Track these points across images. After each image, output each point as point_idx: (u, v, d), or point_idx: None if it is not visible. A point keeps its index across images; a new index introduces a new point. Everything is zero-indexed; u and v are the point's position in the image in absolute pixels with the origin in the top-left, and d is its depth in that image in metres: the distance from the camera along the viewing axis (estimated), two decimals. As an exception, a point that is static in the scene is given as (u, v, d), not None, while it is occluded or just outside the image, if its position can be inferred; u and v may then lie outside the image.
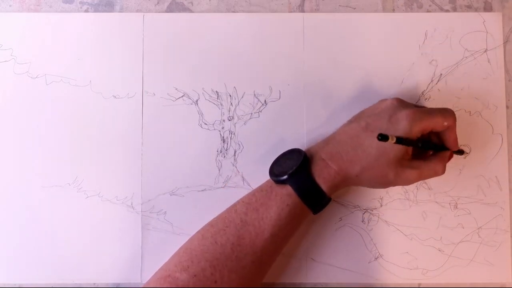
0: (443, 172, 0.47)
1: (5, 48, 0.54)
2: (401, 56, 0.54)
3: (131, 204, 0.53)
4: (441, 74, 0.54)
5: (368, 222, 0.53)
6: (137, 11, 0.54)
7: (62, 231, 0.52)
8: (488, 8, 0.55)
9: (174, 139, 0.53)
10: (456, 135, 0.48)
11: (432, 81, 0.54)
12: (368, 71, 0.54)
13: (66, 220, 0.52)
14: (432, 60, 0.54)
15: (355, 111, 0.53)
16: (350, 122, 0.49)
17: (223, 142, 0.53)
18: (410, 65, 0.54)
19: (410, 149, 0.46)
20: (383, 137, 0.42)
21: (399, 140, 0.43)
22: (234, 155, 0.53)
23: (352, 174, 0.46)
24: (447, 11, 0.55)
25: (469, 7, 0.55)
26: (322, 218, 0.52)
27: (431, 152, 0.50)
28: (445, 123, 0.46)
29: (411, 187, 0.53)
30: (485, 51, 0.54)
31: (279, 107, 0.53)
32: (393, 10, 0.55)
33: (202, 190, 0.53)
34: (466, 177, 0.53)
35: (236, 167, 0.53)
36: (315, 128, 0.53)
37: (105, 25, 0.54)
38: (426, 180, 0.53)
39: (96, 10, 0.54)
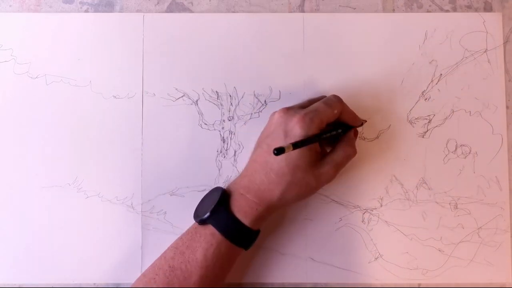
0: (354, 152, 0.48)
1: (5, 48, 0.54)
2: (401, 56, 0.54)
3: (131, 204, 0.53)
4: (441, 74, 0.54)
5: (368, 222, 0.53)
6: (137, 11, 0.54)
7: (62, 231, 0.52)
8: (488, 8, 0.55)
9: (174, 139, 0.53)
10: (351, 112, 0.49)
11: (432, 81, 0.54)
12: (368, 71, 0.54)
13: (66, 220, 0.52)
14: (432, 60, 0.54)
15: (355, 110, 0.53)
16: (256, 149, 0.48)
17: (223, 142, 0.53)
18: (410, 65, 0.54)
19: (317, 148, 0.47)
20: (279, 151, 0.42)
21: (296, 145, 0.43)
22: (234, 155, 0.53)
23: (274, 200, 0.46)
24: (447, 11, 0.55)
25: (469, 7, 0.55)
26: (322, 218, 0.52)
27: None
28: (335, 111, 0.47)
29: (411, 186, 0.53)
30: (485, 51, 0.54)
31: (279, 107, 0.53)
32: (393, 10, 0.55)
33: (202, 190, 0.53)
34: (466, 177, 0.53)
35: (236, 167, 0.53)
36: (315, 128, 0.53)
37: (105, 25, 0.54)
38: (426, 180, 0.53)
39: (96, 10, 0.55)
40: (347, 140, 0.49)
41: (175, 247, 0.46)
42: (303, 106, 0.48)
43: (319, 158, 0.47)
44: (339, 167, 0.47)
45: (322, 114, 0.46)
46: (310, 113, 0.46)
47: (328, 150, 0.50)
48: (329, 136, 0.48)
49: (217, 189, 0.48)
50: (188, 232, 0.47)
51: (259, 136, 0.49)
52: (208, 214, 0.46)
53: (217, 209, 0.46)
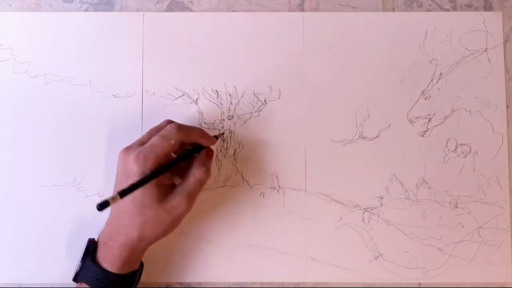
0: (206, 174, 0.46)
1: (5, 47, 0.54)
2: (401, 55, 0.54)
3: (131, 203, 0.52)
4: (441, 73, 0.54)
5: (368, 222, 0.52)
6: (137, 10, 0.54)
7: (62, 231, 0.52)
8: (488, 7, 0.55)
9: (174, 138, 0.53)
10: (198, 133, 0.46)
11: (432, 80, 0.54)
12: (368, 70, 0.54)
13: (65, 220, 0.52)
14: (432, 59, 0.54)
15: (355, 110, 0.53)
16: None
17: (223, 141, 0.53)
18: (410, 64, 0.54)
19: (162, 182, 0.45)
20: (102, 206, 0.39)
21: (123, 193, 0.41)
22: (234, 154, 0.53)
23: (135, 243, 0.44)
24: (447, 10, 0.55)
25: (469, 6, 0.55)
26: (322, 217, 0.52)
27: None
28: (172, 142, 0.44)
29: (411, 186, 0.53)
30: (485, 50, 0.54)
31: (279, 106, 0.53)
32: (393, 10, 0.55)
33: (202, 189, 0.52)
34: (466, 176, 0.53)
35: (236, 167, 0.53)
36: (315, 127, 0.53)
37: (105, 24, 0.54)
38: (426, 180, 0.53)
39: (96, 9, 0.54)
40: (197, 163, 0.46)
41: None
42: (143, 140, 0.46)
43: (170, 190, 0.45)
44: (191, 195, 0.45)
45: (157, 148, 0.44)
46: (144, 149, 0.44)
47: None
48: (170, 166, 0.45)
49: (86, 241, 0.47)
50: None
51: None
52: (76, 270, 0.45)
53: (83, 263, 0.45)
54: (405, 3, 0.55)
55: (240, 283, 0.52)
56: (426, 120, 0.53)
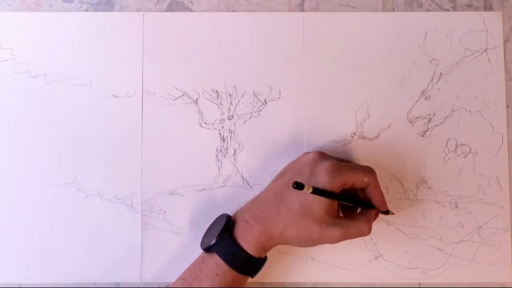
0: (368, 232, 0.47)
1: (5, 47, 0.54)
2: (401, 55, 0.54)
3: (131, 203, 0.52)
4: (441, 73, 0.54)
5: (368, 222, 0.52)
6: (137, 10, 0.54)
7: (61, 231, 0.52)
8: (488, 7, 0.54)
9: (174, 139, 0.53)
10: (381, 194, 0.48)
11: (432, 80, 0.54)
12: (368, 71, 0.54)
13: (65, 220, 0.52)
14: (432, 59, 0.54)
15: (355, 110, 0.53)
16: (276, 179, 0.48)
17: (223, 141, 0.53)
18: (410, 64, 0.54)
19: (335, 206, 0.46)
20: (298, 186, 0.41)
21: (315, 190, 0.42)
22: (234, 154, 0.53)
23: (276, 232, 0.45)
24: (447, 10, 0.55)
25: (469, 6, 0.55)
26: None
27: (358, 211, 0.49)
28: (365, 179, 0.46)
29: (411, 186, 0.53)
30: (485, 50, 0.54)
31: (279, 106, 0.53)
32: (393, 10, 0.55)
33: (201, 190, 0.53)
34: (466, 176, 0.53)
35: (236, 167, 0.53)
36: (315, 127, 0.53)
37: (105, 24, 0.54)
38: (426, 180, 0.53)
39: (96, 9, 0.55)
40: (368, 217, 0.47)
41: (183, 278, 0.46)
42: (341, 159, 0.49)
43: (332, 216, 0.46)
44: (347, 237, 0.46)
45: (352, 173, 0.46)
46: (342, 166, 0.45)
47: (340, 214, 0.50)
48: (348, 204, 0.48)
49: (222, 216, 0.48)
50: (196, 262, 0.47)
51: (284, 167, 0.49)
52: (212, 242, 0.45)
53: (221, 236, 0.45)
54: (405, 3, 0.55)
55: (240, 283, 0.52)
56: (426, 120, 0.53)
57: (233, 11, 0.55)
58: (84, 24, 0.54)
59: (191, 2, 0.55)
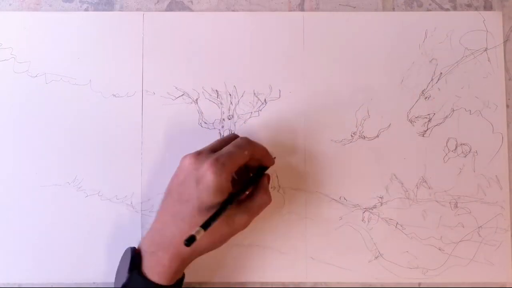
0: (270, 199, 0.47)
1: (5, 47, 0.54)
2: (401, 55, 0.54)
3: (131, 203, 0.52)
4: (441, 73, 0.54)
5: (368, 221, 0.52)
6: (137, 10, 0.54)
7: (61, 231, 0.52)
8: (488, 7, 0.55)
9: (174, 138, 0.53)
10: (262, 149, 0.47)
11: (432, 80, 0.54)
12: (368, 70, 0.54)
13: (65, 219, 0.52)
14: (432, 59, 0.54)
15: (355, 110, 0.53)
16: (165, 198, 0.46)
17: (223, 141, 0.53)
18: (410, 64, 0.54)
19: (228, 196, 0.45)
20: (189, 241, 0.39)
21: (206, 225, 0.41)
22: (234, 154, 0.53)
23: (187, 253, 0.44)
24: (447, 10, 0.55)
25: (469, 6, 0.55)
26: (322, 217, 0.52)
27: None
28: (246, 152, 0.45)
29: (411, 185, 0.53)
30: (485, 50, 0.54)
31: (279, 106, 0.53)
32: (393, 9, 0.55)
33: (202, 189, 0.52)
34: (466, 176, 0.53)
35: (236, 166, 0.53)
36: (315, 127, 0.53)
37: (105, 24, 0.54)
38: (426, 179, 0.53)
39: (96, 9, 0.55)
40: (261, 187, 0.47)
41: None
42: (214, 148, 0.46)
43: (234, 206, 0.45)
44: (253, 215, 0.46)
45: (234, 157, 0.44)
46: (221, 157, 0.43)
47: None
48: (244, 189, 0.46)
49: (127, 251, 0.46)
50: None
51: (169, 184, 0.46)
52: (123, 283, 0.44)
53: (130, 275, 0.44)
54: (405, 3, 0.55)
55: (240, 283, 0.52)
56: (426, 120, 0.53)
57: (233, 10, 0.55)
58: (84, 23, 0.54)
59: (191, 1, 0.55)
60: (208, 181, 0.43)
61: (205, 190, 0.43)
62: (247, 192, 0.47)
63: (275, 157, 0.50)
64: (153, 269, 0.44)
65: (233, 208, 0.44)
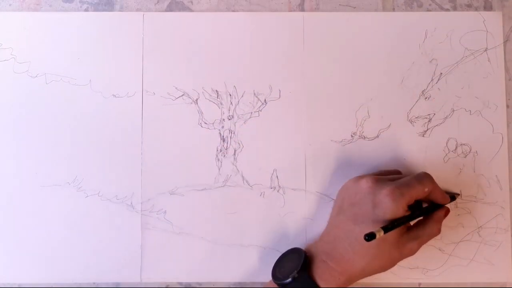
0: (439, 231, 0.48)
1: (5, 47, 0.54)
2: (401, 55, 0.54)
3: (131, 203, 0.52)
4: (441, 73, 0.54)
5: (368, 221, 0.52)
6: (137, 10, 0.54)
7: (61, 231, 0.52)
8: (488, 7, 0.54)
9: (174, 138, 0.53)
10: (441, 191, 0.48)
11: (432, 80, 0.54)
12: (368, 70, 0.54)
13: (65, 220, 0.52)
14: (432, 59, 0.54)
15: (355, 110, 0.53)
16: (337, 213, 0.48)
17: (223, 141, 0.53)
18: (410, 64, 0.54)
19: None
20: (370, 237, 0.42)
21: (386, 229, 0.43)
22: (234, 154, 0.53)
23: (357, 271, 0.45)
24: (447, 10, 0.55)
25: (469, 6, 0.55)
26: (322, 217, 0.52)
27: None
28: (426, 189, 0.46)
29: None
30: (485, 50, 0.54)
31: (279, 106, 0.53)
32: (393, 9, 0.55)
33: (202, 189, 0.53)
34: (467, 176, 0.53)
35: (236, 166, 0.53)
36: (315, 127, 0.53)
37: (105, 24, 0.54)
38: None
39: (96, 9, 0.55)
40: (435, 218, 0.48)
41: None
42: (393, 178, 0.48)
43: (404, 233, 0.46)
44: (422, 243, 0.47)
45: (412, 190, 0.45)
46: (401, 187, 0.45)
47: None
48: (419, 215, 0.47)
49: (297, 250, 0.48)
50: None
51: (338, 199, 0.49)
52: (289, 279, 0.45)
53: (300, 275, 0.45)
54: (405, 3, 0.55)
55: (240, 283, 0.52)
56: (426, 120, 0.53)
57: (233, 11, 0.55)
58: (84, 24, 0.54)
59: (191, 2, 0.55)
60: (385, 207, 0.44)
61: (382, 215, 0.44)
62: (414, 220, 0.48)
63: (458, 194, 0.52)
64: (322, 275, 0.45)
65: (404, 233, 0.46)
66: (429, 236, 0.47)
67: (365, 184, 0.46)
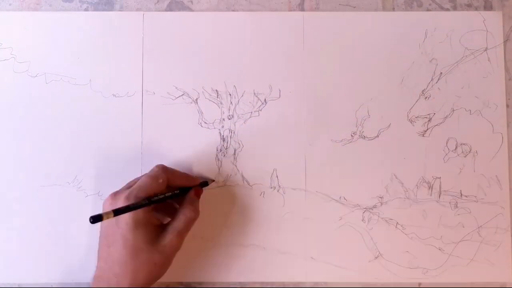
0: (196, 213, 0.47)
1: (5, 46, 0.54)
2: (401, 55, 0.54)
3: (131, 203, 0.52)
4: (441, 72, 0.54)
5: (368, 221, 0.52)
6: (137, 9, 0.54)
7: (61, 230, 0.52)
8: (488, 7, 0.55)
9: (174, 138, 0.53)
10: (182, 175, 0.47)
11: (432, 79, 0.54)
12: (368, 70, 0.54)
13: (65, 219, 0.52)
14: (432, 58, 0.54)
15: (355, 109, 0.53)
16: (99, 248, 0.45)
17: (223, 141, 0.53)
18: (410, 64, 0.54)
19: (152, 222, 0.45)
20: (95, 219, 0.39)
21: (117, 211, 0.41)
22: (234, 154, 0.53)
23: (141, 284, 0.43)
24: (447, 10, 0.55)
25: (469, 6, 0.55)
26: (322, 217, 0.52)
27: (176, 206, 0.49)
28: (160, 181, 0.45)
29: (411, 185, 0.53)
30: (485, 49, 0.54)
31: (279, 105, 0.53)
32: (393, 9, 0.55)
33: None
34: (467, 176, 0.53)
35: (236, 166, 0.53)
36: (315, 127, 0.53)
37: (105, 24, 0.54)
38: (426, 179, 0.53)
39: (96, 9, 0.55)
40: (186, 202, 0.47)
41: None
42: (130, 185, 0.46)
43: (159, 231, 0.45)
44: (182, 233, 0.45)
45: (146, 187, 0.44)
46: (134, 190, 0.44)
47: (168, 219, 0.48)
48: (159, 200, 0.45)
49: None
50: None
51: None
52: None
53: None
54: (405, 3, 0.55)
55: (240, 283, 0.52)
56: (426, 120, 0.53)
57: (233, 10, 0.55)
58: (84, 23, 0.54)
59: (191, 1, 0.55)
60: (125, 218, 0.43)
61: (125, 227, 0.43)
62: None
63: (213, 180, 0.51)
64: None
65: (158, 232, 0.45)
66: (186, 222, 0.45)
67: (106, 203, 0.44)
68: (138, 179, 0.47)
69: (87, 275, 0.52)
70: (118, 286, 0.42)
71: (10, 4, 0.54)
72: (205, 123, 0.53)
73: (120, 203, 0.43)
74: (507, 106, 0.53)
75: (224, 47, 0.54)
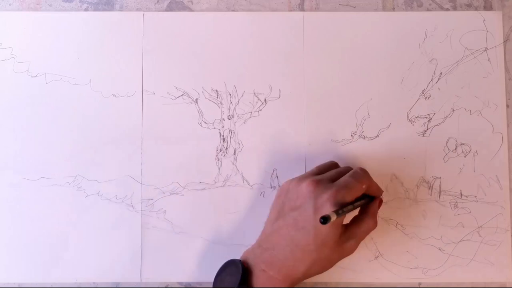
0: (375, 224, 0.47)
1: (5, 46, 0.54)
2: (401, 55, 0.54)
3: (131, 203, 0.52)
4: (441, 72, 0.54)
5: (368, 221, 0.52)
6: (137, 9, 0.54)
7: (61, 230, 0.52)
8: (488, 7, 0.54)
9: (173, 138, 0.53)
10: (376, 185, 0.48)
11: (432, 79, 0.54)
12: (368, 70, 0.54)
13: (65, 219, 0.52)
14: (432, 58, 0.54)
15: (355, 109, 0.53)
16: (276, 218, 0.46)
17: (223, 141, 0.53)
18: (410, 64, 0.54)
19: (340, 223, 0.45)
20: (325, 220, 0.41)
21: (337, 213, 0.42)
22: (234, 154, 0.53)
23: (299, 276, 0.45)
24: (447, 10, 0.55)
25: (469, 6, 0.55)
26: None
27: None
28: (364, 186, 0.46)
29: (411, 185, 0.53)
30: (485, 49, 0.54)
31: (279, 105, 0.53)
32: (393, 9, 0.55)
33: (201, 189, 0.53)
34: (467, 176, 0.53)
35: (236, 166, 0.53)
36: (315, 127, 0.53)
37: (105, 24, 0.54)
38: (426, 179, 0.53)
39: (96, 9, 0.54)
40: (370, 212, 0.48)
41: None
42: (331, 178, 0.47)
43: (341, 233, 0.45)
44: (360, 240, 0.47)
45: (352, 191, 0.45)
46: (342, 190, 0.44)
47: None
48: (358, 206, 0.47)
49: (235, 263, 0.46)
50: None
51: (277, 202, 0.47)
52: None
53: None
54: (405, 3, 0.55)
55: (240, 283, 0.52)
56: (426, 120, 0.53)
57: (233, 10, 0.55)
58: (84, 23, 0.54)
59: (191, 1, 0.55)
60: (326, 212, 0.43)
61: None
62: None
63: (382, 191, 0.51)
64: (263, 286, 0.44)
65: (342, 235, 0.45)
66: (366, 232, 0.47)
67: (305, 188, 0.45)
68: (325, 166, 0.49)
69: (87, 275, 0.52)
70: (294, 268, 0.44)
71: (10, 4, 0.54)
72: (205, 123, 0.53)
73: (324, 199, 0.43)
74: (507, 106, 0.53)
75: (224, 47, 0.54)
